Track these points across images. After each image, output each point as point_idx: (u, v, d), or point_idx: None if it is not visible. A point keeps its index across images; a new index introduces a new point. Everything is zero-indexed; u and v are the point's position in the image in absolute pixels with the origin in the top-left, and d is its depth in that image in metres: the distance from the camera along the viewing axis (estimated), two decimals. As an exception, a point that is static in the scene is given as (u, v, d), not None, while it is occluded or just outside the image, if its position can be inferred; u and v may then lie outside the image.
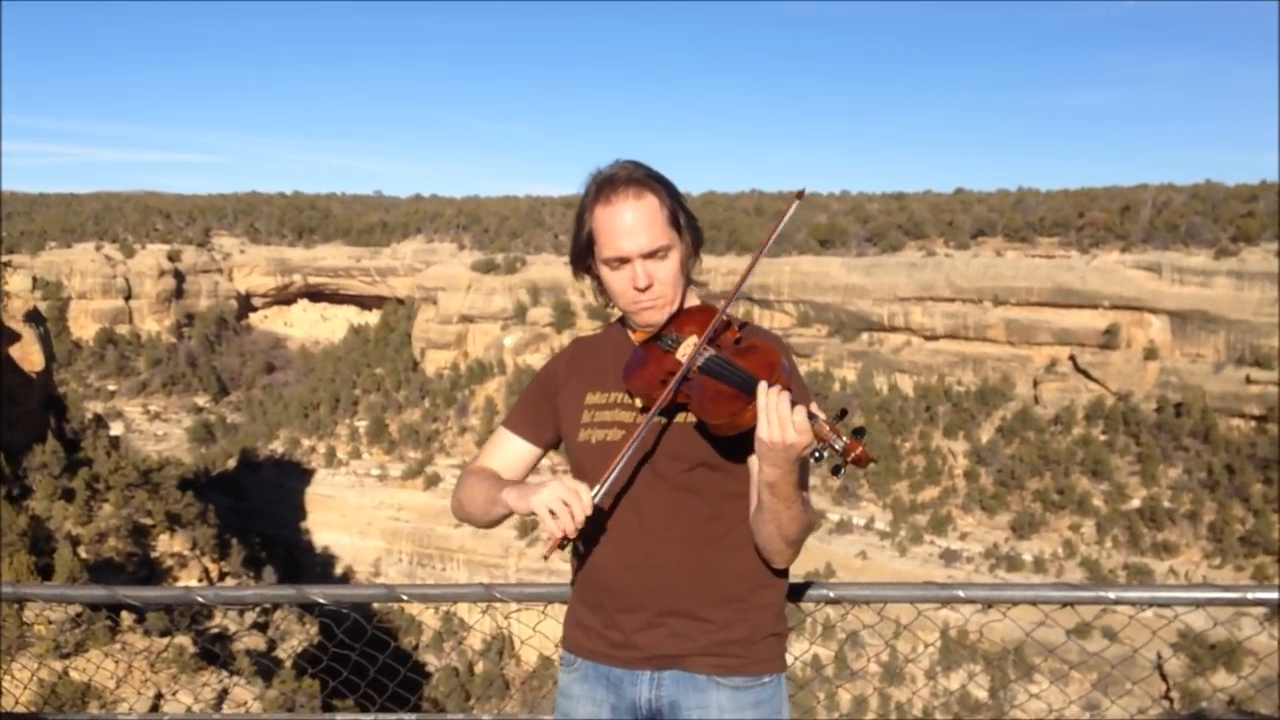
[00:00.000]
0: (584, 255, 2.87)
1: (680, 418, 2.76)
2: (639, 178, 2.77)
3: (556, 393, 3.01)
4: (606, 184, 2.77)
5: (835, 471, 2.41)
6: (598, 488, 2.57)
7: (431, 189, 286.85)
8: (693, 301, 2.95)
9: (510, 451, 3.07)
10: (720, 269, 79.70)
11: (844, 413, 2.40)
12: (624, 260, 2.76)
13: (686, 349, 2.74)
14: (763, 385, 2.45)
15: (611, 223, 2.74)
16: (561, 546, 2.57)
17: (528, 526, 74.44)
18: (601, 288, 2.89)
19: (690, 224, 2.84)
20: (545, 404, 3.03)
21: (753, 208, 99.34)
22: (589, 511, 2.53)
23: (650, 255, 2.74)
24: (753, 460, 2.66)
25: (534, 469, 3.11)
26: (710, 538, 2.76)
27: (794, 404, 2.41)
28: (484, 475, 3.00)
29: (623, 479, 2.77)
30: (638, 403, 2.77)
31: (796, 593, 3.60)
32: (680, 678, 2.78)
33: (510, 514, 2.78)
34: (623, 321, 3.00)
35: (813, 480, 2.72)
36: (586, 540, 2.87)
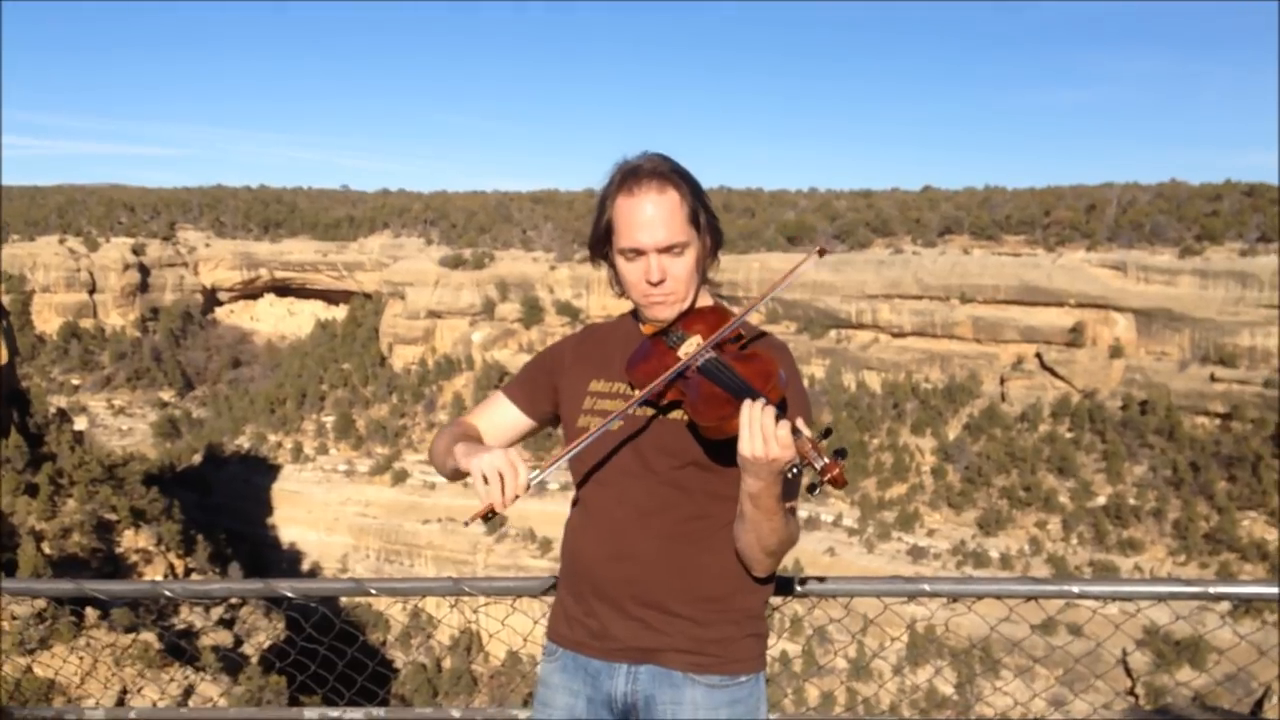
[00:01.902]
0: (602, 243, 2.87)
1: (676, 414, 2.77)
2: (663, 171, 2.78)
3: (560, 373, 3.04)
4: (631, 174, 2.78)
5: (810, 490, 2.44)
6: (538, 471, 2.59)
7: (399, 183, 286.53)
8: (705, 301, 2.96)
9: (500, 415, 3.11)
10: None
11: (828, 432, 2.42)
12: (639, 252, 2.77)
13: (689, 347, 2.76)
14: (748, 401, 2.47)
15: (631, 214, 2.75)
16: (486, 518, 2.57)
17: (496, 523, 74.33)
18: (616, 276, 2.90)
19: (711, 224, 2.86)
20: (545, 380, 3.07)
21: (720, 204, 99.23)
22: (522, 491, 2.55)
23: (666, 250, 2.76)
24: None
25: (519, 440, 3.13)
26: (692, 536, 2.77)
27: (779, 418, 2.42)
28: (461, 429, 3.03)
29: (589, 462, 2.84)
30: (637, 394, 2.77)
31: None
32: (656, 673, 2.80)
33: (460, 470, 2.77)
34: (635, 313, 3.00)
35: None
36: (575, 529, 2.93)
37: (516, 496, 2.55)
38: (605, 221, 2.82)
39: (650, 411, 2.79)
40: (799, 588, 3.70)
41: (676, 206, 2.75)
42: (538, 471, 2.60)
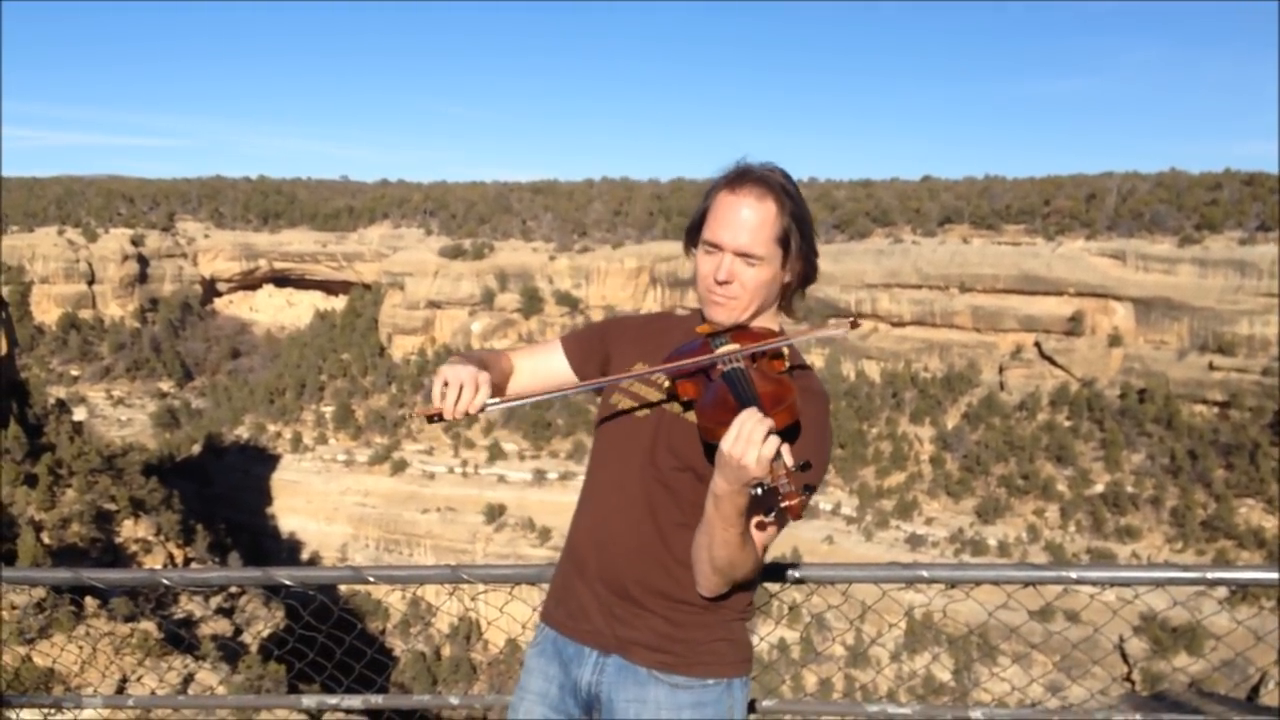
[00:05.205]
0: (694, 230, 2.87)
1: (691, 415, 2.76)
2: (771, 182, 2.76)
3: (615, 343, 3.05)
4: (743, 174, 2.77)
5: (767, 512, 2.40)
6: (499, 400, 2.66)
7: (398, 174, 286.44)
8: (770, 324, 2.94)
9: (547, 361, 3.10)
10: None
11: (807, 465, 2.39)
12: (717, 247, 2.76)
13: (723, 349, 2.74)
14: (747, 409, 2.44)
15: (724, 210, 2.75)
16: (430, 420, 2.62)
17: (494, 512, 74.45)
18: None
19: (803, 253, 2.82)
20: (600, 345, 3.07)
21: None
22: (472, 408, 2.60)
23: (742, 255, 2.74)
24: None
25: (556, 388, 3.06)
26: (671, 540, 2.76)
27: (769, 437, 2.38)
28: (494, 356, 2.99)
29: (611, 438, 2.88)
30: (665, 383, 2.79)
31: (762, 574, 3.63)
32: (622, 667, 2.80)
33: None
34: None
35: None
36: (579, 505, 2.96)
37: (467, 413, 2.60)
38: (703, 210, 2.82)
39: (673, 405, 2.80)
40: (797, 574, 3.71)
41: (770, 219, 2.73)
42: (499, 401, 2.65)
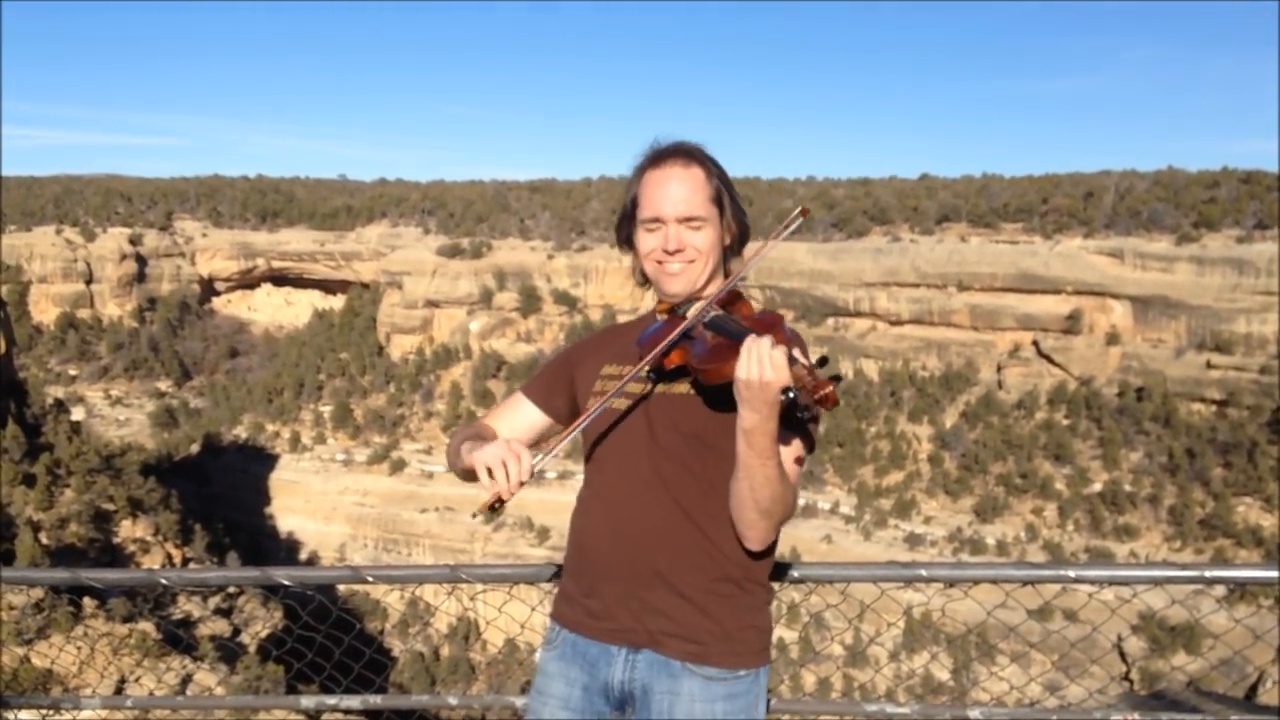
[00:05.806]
0: (628, 220, 2.94)
1: (683, 388, 2.79)
2: (692, 151, 2.88)
3: (577, 365, 3.07)
4: (661, 152, 2.88)
5: (803, 413, 2.44)
6: (540, 455, 2.61)
7: (396, 173, 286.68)
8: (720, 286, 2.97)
9: (517, 414, 3.13)
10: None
11: (824, 360, 2.45)
12: (660, 221, 2.83)
13: (692, 311, 2.79)
14: (752, 335, 2.48)
15: (655, 186, 2.84)
16: (493, 509, 2.56)
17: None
18: (636, 255, 2.95)
19: (736, 214, 2.92)
20: (563, 373, 3.10)
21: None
22: (526, 476, 2.55)
23: (685, 221, 2.82)
24: None
25: (540, 438, 3.13)
26: (695, 515, 2.75)
27: (777, 345, 2.42)
28: (475, 429, 3.05)
29: (599, 440, 2.86)
30: (645, 370, 2.78)
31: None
32: (654, 661, 2.77)
33: (467, 467, 2.74)
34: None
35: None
36: (580, 506, 2.95)
37: (522, 483, 2.56)
38: (632, 196, 2.90)
39: (659, 386, 2.82)
40: (795, 573, 3.70)
41: (701, 183, 2.83)
42: (541, 456, 2.61)
